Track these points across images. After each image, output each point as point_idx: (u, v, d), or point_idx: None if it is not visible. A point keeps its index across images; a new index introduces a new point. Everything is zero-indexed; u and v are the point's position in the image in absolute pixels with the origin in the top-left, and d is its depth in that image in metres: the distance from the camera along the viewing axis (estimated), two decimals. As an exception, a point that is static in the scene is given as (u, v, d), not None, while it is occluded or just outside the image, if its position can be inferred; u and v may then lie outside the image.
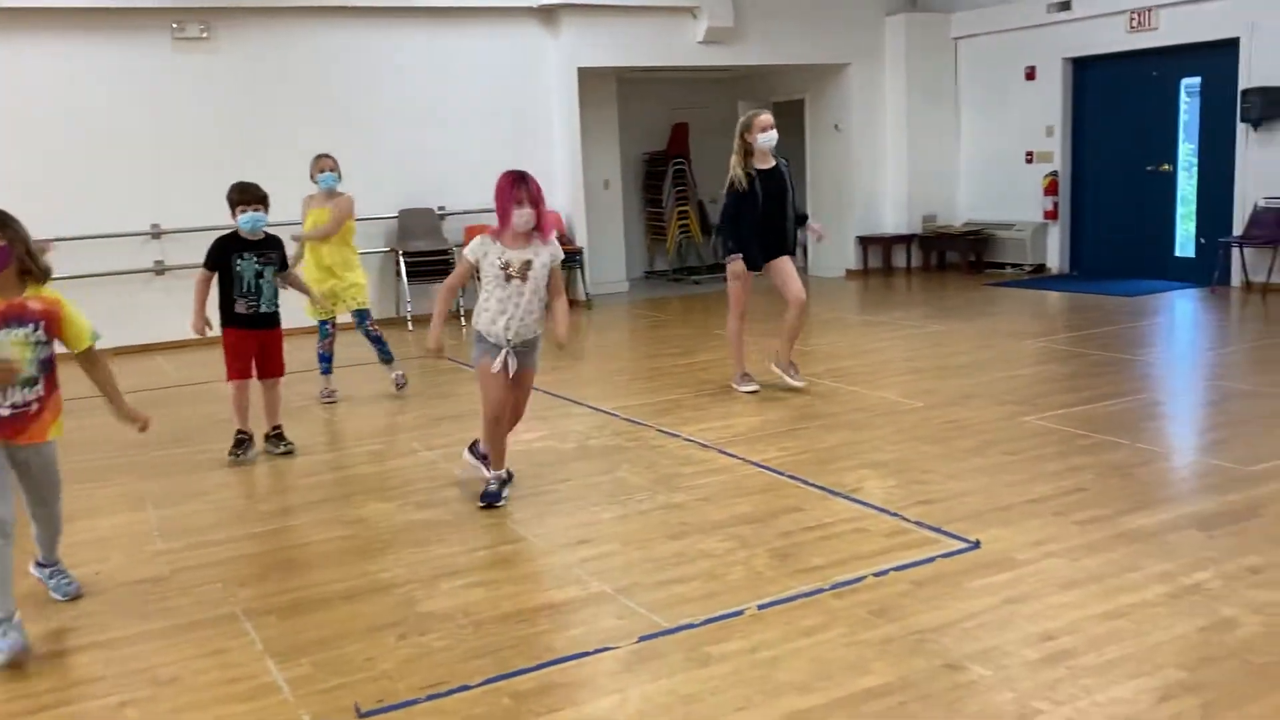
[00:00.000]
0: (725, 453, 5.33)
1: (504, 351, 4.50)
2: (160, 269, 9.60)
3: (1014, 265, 12.11)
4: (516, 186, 4.40)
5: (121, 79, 9.40)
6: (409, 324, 10.15)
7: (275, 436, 5.74)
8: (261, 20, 9.74)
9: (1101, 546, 3.86)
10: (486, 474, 4.76)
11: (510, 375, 4.55)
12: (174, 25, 9.48)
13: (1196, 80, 10.61)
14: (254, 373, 5.64)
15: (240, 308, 5.46)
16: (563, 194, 11.12)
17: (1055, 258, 11.91)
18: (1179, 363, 7.56)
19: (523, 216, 4.39)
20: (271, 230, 5.61)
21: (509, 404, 4.64)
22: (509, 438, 4.79)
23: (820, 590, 3.57)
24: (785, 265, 6.61)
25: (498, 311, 4.49)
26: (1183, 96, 10.79)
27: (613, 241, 12.38)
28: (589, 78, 11.42)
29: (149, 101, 9.49)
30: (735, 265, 6.55)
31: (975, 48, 12.44)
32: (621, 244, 12.62)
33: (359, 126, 10.02)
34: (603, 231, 12.06)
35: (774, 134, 6.40)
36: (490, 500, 4.62)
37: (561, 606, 3.55)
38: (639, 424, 6.00)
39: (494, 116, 10.75)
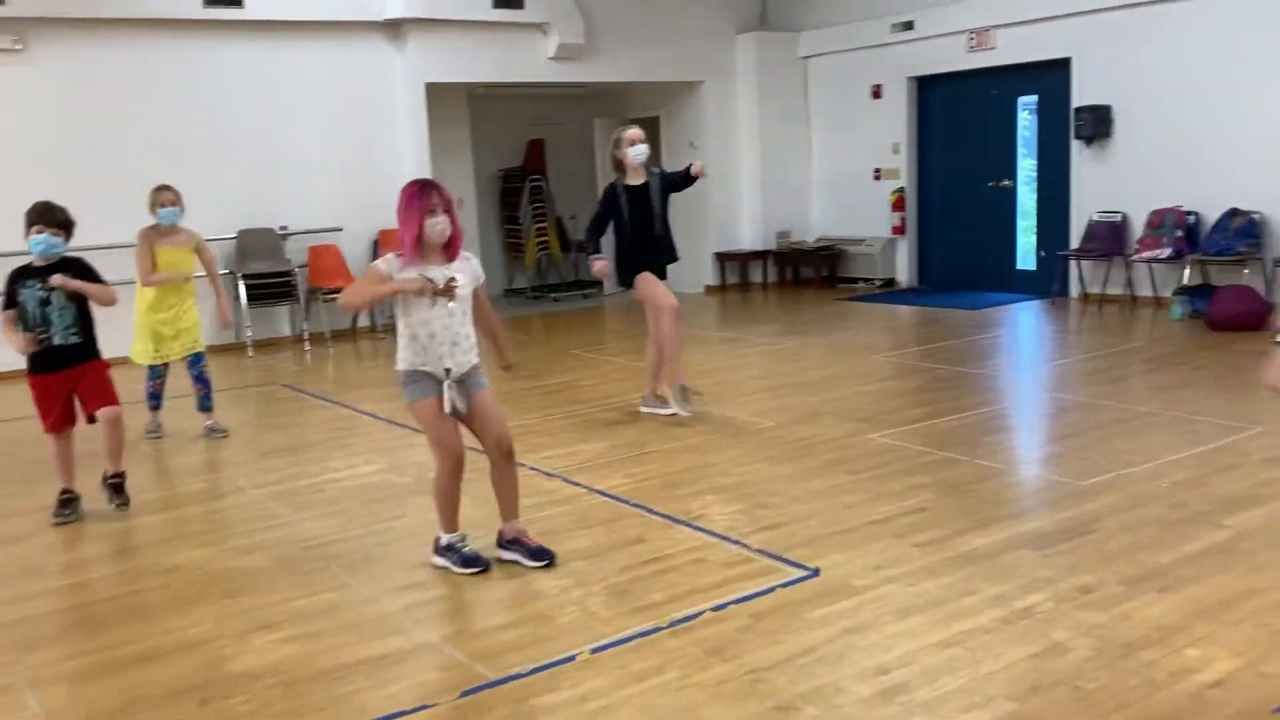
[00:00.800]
0: (570, 481, 5.17)
1: (447, 385, 3.90)
2: (-27, 296, 8.92)
3: (865, 280, 12.30)
4: (426, 194, 3.85)
5: (-75, 93, 8.74)
6: (249, 350, 9.69)
7: (112, 486, 5.07)
8: (82, 32, 9.18)
9: (939, 569, 3.83)
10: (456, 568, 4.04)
11: (463, 411, 3.97)
12: (-16, 36, 8.87)
13: (1034, 98, 10.97)
14: (77, 418, 4.95)
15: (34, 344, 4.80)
16: (413, 212, 10.81)
17: (904, 272, 12.15)
18: (1018, 375, 7.73)
19: (437, 226, 3.84)
20: (87, 253, 5.15)
21: (464, 449, 4.02)
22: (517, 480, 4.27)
23: (657, 629, 3.44)
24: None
25: (428, 339, 3.89)
26: (1021, 114, 11.14)
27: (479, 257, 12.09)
28: (440, 93, 11.16)
29: (-43, 117, 8.84)
30: (637, 288, 6.31)
31: (824, 66, 12.63)
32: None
33: (191, 143, 9.54)
34: (470, 248, 11.77)
35: (644, 148, 6.19)
36: (474, 564, 4.01)
37: (381, 660, 3.32)
38: (483, 453, 5.78)
39: (339, 133, 10.38)
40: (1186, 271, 9.33)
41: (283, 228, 10.18)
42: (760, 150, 12.67)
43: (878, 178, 12.18)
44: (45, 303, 4.80)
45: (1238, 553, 3.87)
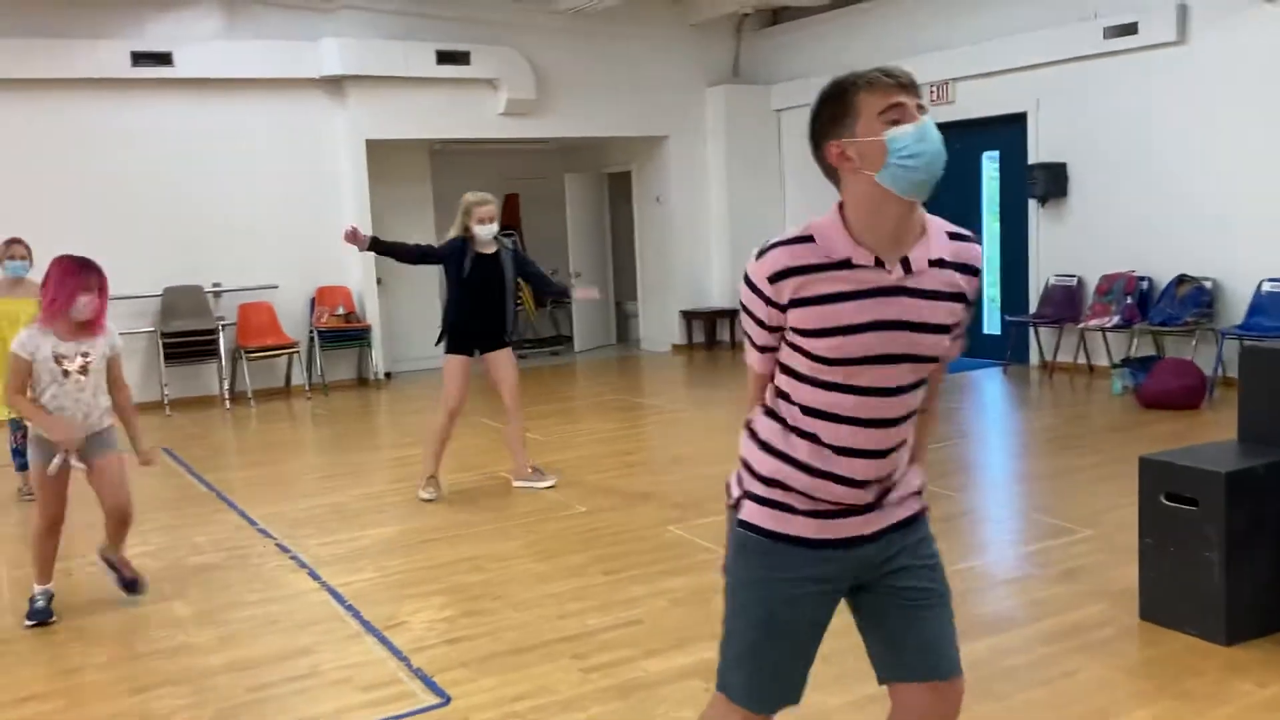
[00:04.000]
0: (314, 575, 4.87)
1: (61, 454, 4.22)
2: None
3: (834, 340, 11.79)
4: (84, 273, 4.22)
5: None
6: (166, 409, 9.64)
7: None
8: (12, 93, 9.29)
9: (582, 703, 3.44)
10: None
11: (87, 472, 4.36)
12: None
13: (997, 154, 10.43)
14: None
15: None
16: (354, 270, 10.76)
17: (872, 333, 11.62)
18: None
19: (87, 305, 4.22)
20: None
21: (64, 512, 4.41)
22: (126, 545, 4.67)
23: (208, 768, 3.13)
24: (501, 359, 6.22)
25: (57, 412, 4.26)
26: (985, 170, 10.59)
27: (427, 316, 11.95)
28: (398, 149, 11.13)
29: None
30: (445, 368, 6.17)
31: (797, 119, 12.20)
32: (438, 319, 12.20)
33: (118, 197, 9.59)
34: (412, 306, 11.67)
35: (494, 226, 6.04)
36: (40, 618, 4.34)
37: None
38: (266, 535, 5.55)
39: (278, 190, 10.36)
40: (1134, 341, 8.67)
41: (215, 285, 10.18)
42: (728, 205, 12.31)
43: (847, 234, 11.69)
44: None
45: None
